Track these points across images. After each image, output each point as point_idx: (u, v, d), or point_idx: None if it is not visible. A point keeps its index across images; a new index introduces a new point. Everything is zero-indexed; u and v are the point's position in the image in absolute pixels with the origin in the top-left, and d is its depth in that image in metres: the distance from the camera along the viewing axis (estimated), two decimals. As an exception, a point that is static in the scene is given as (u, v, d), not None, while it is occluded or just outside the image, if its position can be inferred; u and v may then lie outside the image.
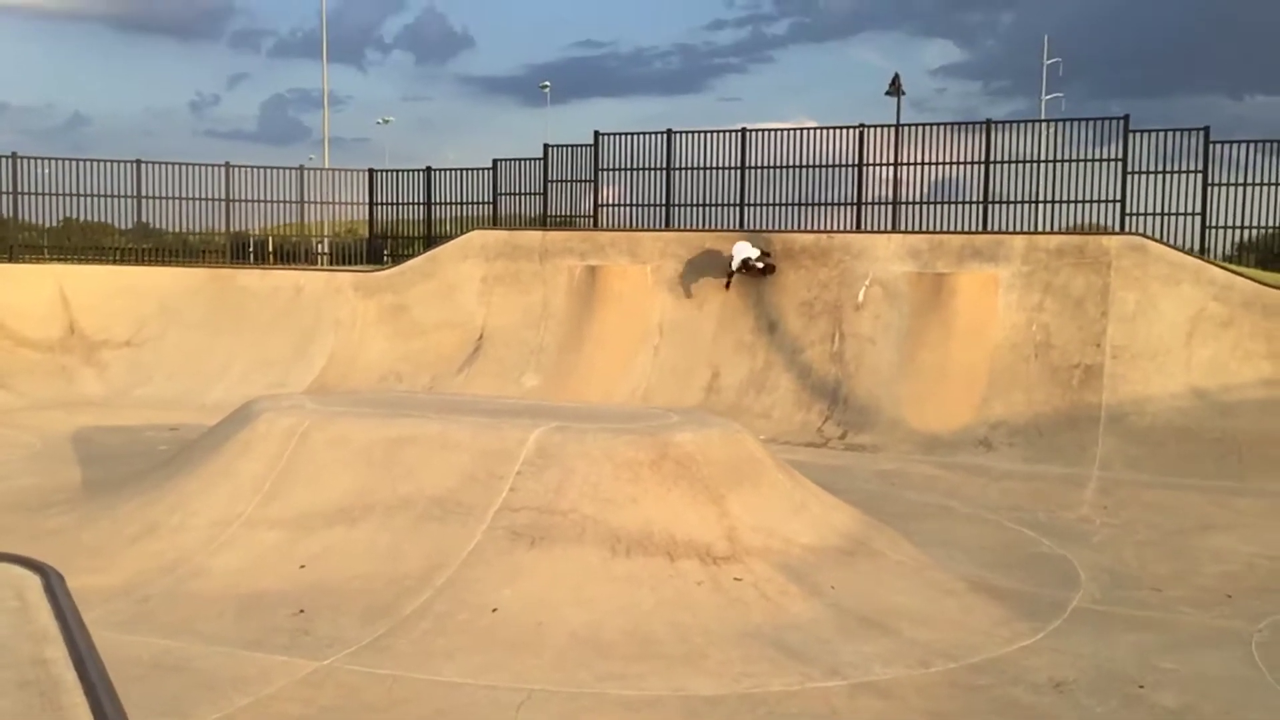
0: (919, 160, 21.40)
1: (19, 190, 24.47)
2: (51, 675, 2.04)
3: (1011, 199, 20.60)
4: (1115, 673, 6.75)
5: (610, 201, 23.58)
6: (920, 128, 21.68)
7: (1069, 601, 8.27)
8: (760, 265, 16.25)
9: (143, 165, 25.29)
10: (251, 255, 27.74)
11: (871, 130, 21.65)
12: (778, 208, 22.16)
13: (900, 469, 13.76)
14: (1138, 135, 19.94)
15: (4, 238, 25.16)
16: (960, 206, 21.04)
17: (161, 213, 25.88)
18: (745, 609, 7.47)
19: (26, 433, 14.92)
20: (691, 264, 18.74)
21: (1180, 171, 19.86)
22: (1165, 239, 18.14)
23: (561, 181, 24.24)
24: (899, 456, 14.54)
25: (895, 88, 28.72)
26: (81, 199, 25.18)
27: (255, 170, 26.24)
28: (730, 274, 16.36)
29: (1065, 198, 20.45)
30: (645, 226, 22.29)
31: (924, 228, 20.62)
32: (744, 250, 16.43)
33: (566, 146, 24.31)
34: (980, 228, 20.09)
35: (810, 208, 22.00)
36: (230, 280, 21.35)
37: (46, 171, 25.00)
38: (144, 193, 25.38)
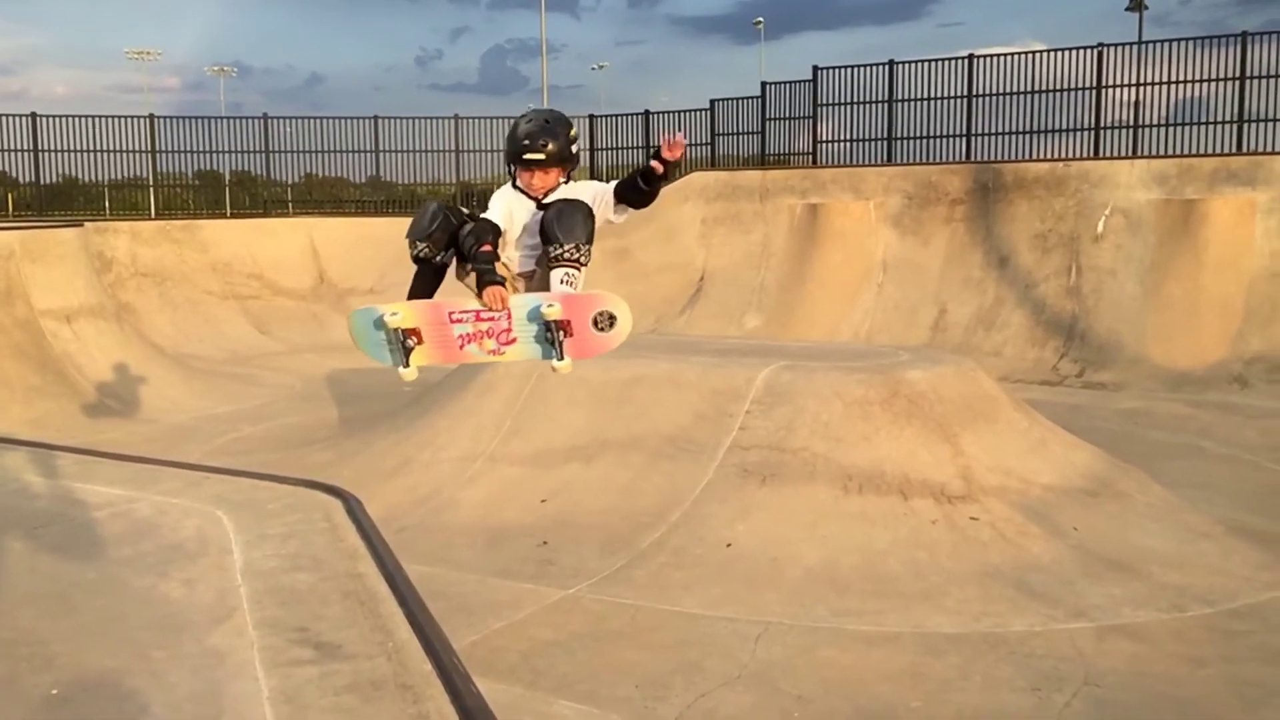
0: (1164, 80, 19.95)
1: (270, 149, 26.20)
2: (367, 587, 2.27)
3: (1272, 117, 18.89)
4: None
5: (830, 138, 23.14)
6: (1165, 44, 20.12)
7: (1341, 548, 7.71)
8: None
9: (379, 120, 26.58)
10: (477, 204, 28.71)
11: (1111, 50, 20.34)
12: (1007, 136, 21.19)
13: (1145, 408, 13.07)
14: None
15: (257, 194, 27.06)
16: (1211, 128, 19.47)
17: (395, 166, 27.17)
18: (983, 548, 7.32)
19: (287, 375, 16.12)
20: (915, 199, 18.24)
21: None
22: None
23: (780, 119, 23.95)
24: (1143, 394, 13.81)
25: (1137, 3, 26.91)
26: (323, 155, 26.72)
27: (481, 121, 27.13)
28: None
29: (1333, 113, 18.65)
30: (867, 162, 21.79)
31: (1170, 152, 19.25)
32: None
33: (785, 84, 23.95)
34: (1235, 149, 18.59)
35: (1043, 135, 20.92)
36: (462, 228, 22.24)
37: (292, 130, 26.65)
38: (380, 147, 26.70)
